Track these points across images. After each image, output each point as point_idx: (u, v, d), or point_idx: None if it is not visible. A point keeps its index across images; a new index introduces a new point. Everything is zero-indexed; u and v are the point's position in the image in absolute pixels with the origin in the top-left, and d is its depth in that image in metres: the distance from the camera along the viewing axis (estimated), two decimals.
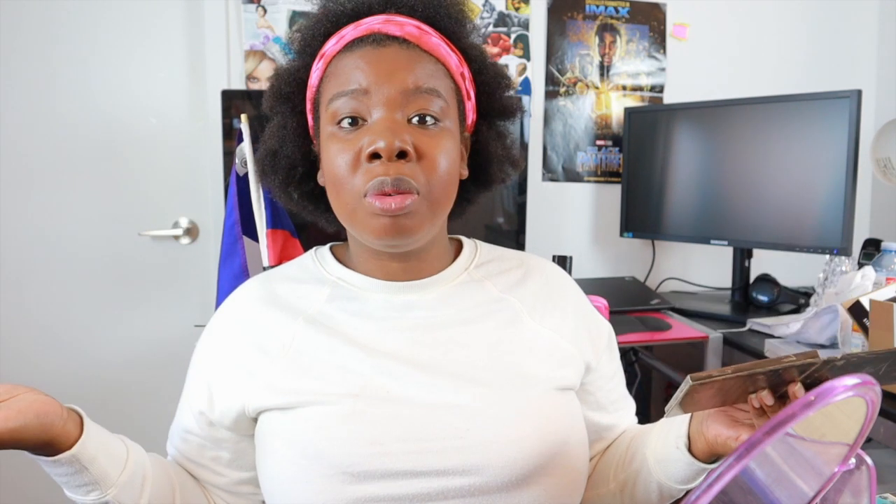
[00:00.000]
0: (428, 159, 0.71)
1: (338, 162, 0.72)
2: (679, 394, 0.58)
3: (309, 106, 0.79)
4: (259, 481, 0.77)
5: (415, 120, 0.72)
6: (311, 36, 0.78)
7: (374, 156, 0.69)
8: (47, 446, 0.63)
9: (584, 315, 0.85)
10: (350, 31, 0.75)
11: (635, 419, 0.91)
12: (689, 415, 0.73)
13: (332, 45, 0.76)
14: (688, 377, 0.57)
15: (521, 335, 0.79)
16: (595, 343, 0.84)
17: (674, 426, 0.75)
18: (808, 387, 0.59)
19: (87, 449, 0.65)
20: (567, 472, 0.74)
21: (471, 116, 0.81)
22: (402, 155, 0.69)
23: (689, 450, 0.72)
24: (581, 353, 0.81)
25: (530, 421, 0.72)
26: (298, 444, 0.70)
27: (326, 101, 0.74)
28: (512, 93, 0.85)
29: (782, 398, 0.60)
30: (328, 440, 0.69)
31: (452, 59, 0.77)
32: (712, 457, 0.71)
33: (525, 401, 0.74)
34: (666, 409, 0.61)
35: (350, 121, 0.72)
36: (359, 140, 0.71)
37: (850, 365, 0.56)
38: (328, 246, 0.86)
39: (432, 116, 0.73)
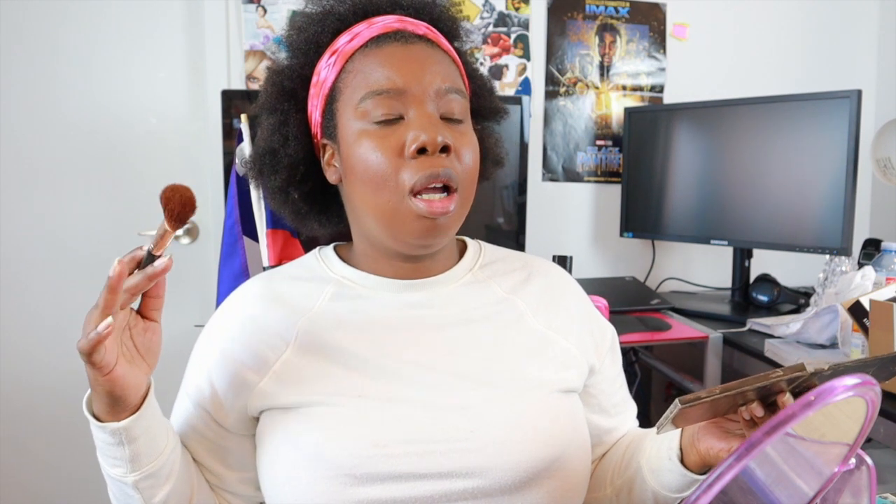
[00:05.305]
0: (461, 155, 0.73)
1: (374, 158, 0.72)
2: (669, 414, 0.59)
3: (317, 103, 0.78)
4: (259, 481, 0.76)
5: (446, 117, 0.74)
6: (317, 32, 0.78)
7: (420, 151, 0.70)
8: (112, 401, 0.64)
9: (587, 317, 0.85)
10: (365, 29, 0.75)
11: (636, 422, 0.91)
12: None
13: (345, 42, 0.75)
14: (676, 400, 0.57)
15: (525, 337, 0.78)
16: (598, 345, 0.84)
17: (667, 436, 0.74)
18: (797, 395, 0.58)
19: (134, 427, 0.65)
20: (569, 474, 0.73)
21: None
22: (443, 150, 0.71)
23: (682, 461, 0.71)
24: (584, 355, 0.81)
25: (535, 423, 0.72)
26: (300, 445, 0.70)
27: (354, 99, 0.73)
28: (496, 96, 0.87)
29: (772, 407, 0.60)
30: (331, 441, 0.69)
31: (458, 60, 0.79)
32: (705, 468, 0.70)
33: (529, 403, 0.73)
34: (657, 426, 0.61)
35: (387, 117, 0.72)
36: (398, 136, 0.71)
37: (838, 374, 0.56)
38: (332, 245, 0.85)
39: (459, 114, 0.75)
